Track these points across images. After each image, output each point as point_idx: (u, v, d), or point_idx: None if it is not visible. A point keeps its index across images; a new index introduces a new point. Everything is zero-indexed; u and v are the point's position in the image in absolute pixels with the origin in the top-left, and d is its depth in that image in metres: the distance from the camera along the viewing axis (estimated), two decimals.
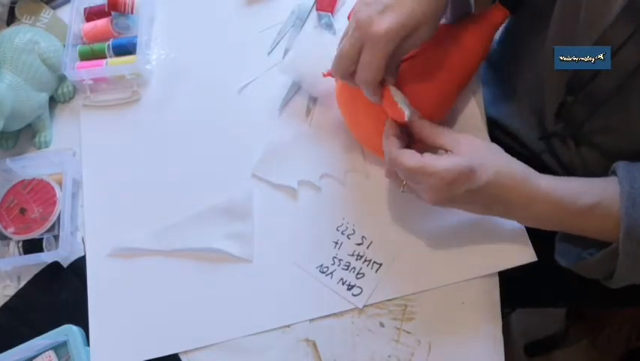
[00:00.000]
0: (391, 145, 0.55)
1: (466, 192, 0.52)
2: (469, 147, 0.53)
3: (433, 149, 0.55)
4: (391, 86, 0.56)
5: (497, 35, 0.85)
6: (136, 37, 0.76)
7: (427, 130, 0.56)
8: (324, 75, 0.65)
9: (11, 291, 0.67)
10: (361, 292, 0.62)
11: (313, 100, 0.73)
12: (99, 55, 0.77)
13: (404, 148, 0.55)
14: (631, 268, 0.52)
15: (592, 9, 0.55)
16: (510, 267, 0.61)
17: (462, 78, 0.65)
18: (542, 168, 0.77)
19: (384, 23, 0.50)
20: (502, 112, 0.56)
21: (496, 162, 0.53)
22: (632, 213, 0.50)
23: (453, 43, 0.63)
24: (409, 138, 0.57)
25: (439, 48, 0.62)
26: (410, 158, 0.52)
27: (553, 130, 0.67)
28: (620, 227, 0.50)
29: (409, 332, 0.61)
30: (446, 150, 0.54)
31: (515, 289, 0.65)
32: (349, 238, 0.65)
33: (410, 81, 0.60)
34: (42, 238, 0.68)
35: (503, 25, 0.84)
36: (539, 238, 0.62)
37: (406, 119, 0.55)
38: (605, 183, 0.54)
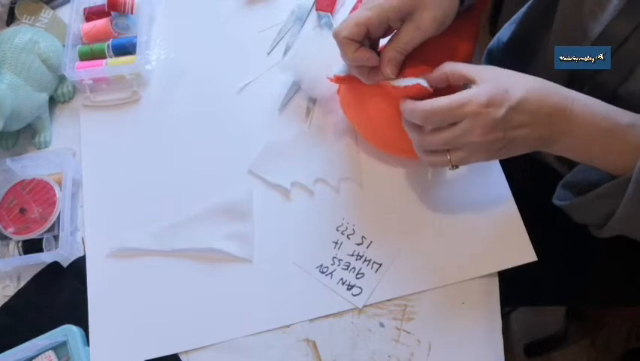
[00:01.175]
0: (415, 104, 0.53)
1: (508, 112, 0.50)
2: (492, 74, 0.52)
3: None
4: (395, 80, 0.57)
5: (500, 34, 0.85)
6: (136, 37, 0.76)
7: (447, 69, 0.55)
8: (330, 80, 0.65)
9: (11, 291, 0.67)
10: (361, 292, 0.62)
11: (313, 101, 0.73)
12: (99, 55, 0.77)
13: None
14: (635, 205, 0.51)
15: (595, 4, 0.55)
16: (510, 267, 0.61)
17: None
18: (546, 169, 0.77)
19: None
20: None
21: (522, 79, 0.52)
22: None
23: (450, 32, 0.64)
24: None
25: (440, 39, 0.62)
26: (439, 100, 0.51)
27: None
28: None
29: (409, 332, 0.61)
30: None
31: (515, 289, 0.65)
32: (349, 238, 0.65)
33: (421, 72, 0.61)
34: (42, 238, 0.68)
35: (507, 24, 0.84)
36: (539, 238, 0.62)
37: (426, 86, 0.55)
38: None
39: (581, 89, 0.61)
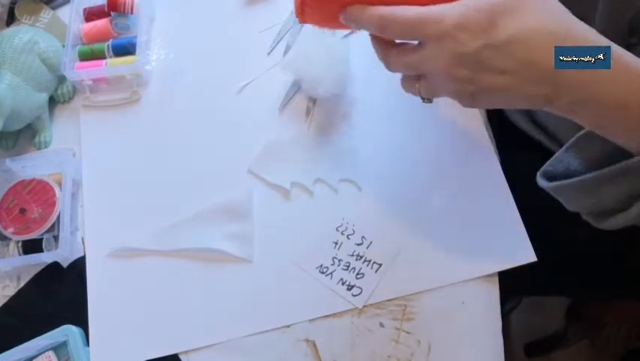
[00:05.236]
0: (376, 7, 0.43)
1: (484, 48, 0.39)
2: None
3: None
4: None
5: None
6: (135, 37, 0.77)
7: None
8: None
9: (11, 291, 0.67)
10: (361, 292, 0.62)
11: (313, 101, 0.73)
12: (99, 55, 0.77)
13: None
14: None
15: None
16: (510, 267, 0.61)
17: None
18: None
19: None
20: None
21: (530, 14, 0.39)
22: None
23: None
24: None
25: None
26: (404, 10, 0.41)
27: None
28: None
29: (408, 332, 0.61)
30: None
31: (517, 280, 0.64)
32: (349, 238, 0.65)
33: None
34: (42, 238, 0.68)
35: None
36: (539, 237, 0.62)
37: None
38: None
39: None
